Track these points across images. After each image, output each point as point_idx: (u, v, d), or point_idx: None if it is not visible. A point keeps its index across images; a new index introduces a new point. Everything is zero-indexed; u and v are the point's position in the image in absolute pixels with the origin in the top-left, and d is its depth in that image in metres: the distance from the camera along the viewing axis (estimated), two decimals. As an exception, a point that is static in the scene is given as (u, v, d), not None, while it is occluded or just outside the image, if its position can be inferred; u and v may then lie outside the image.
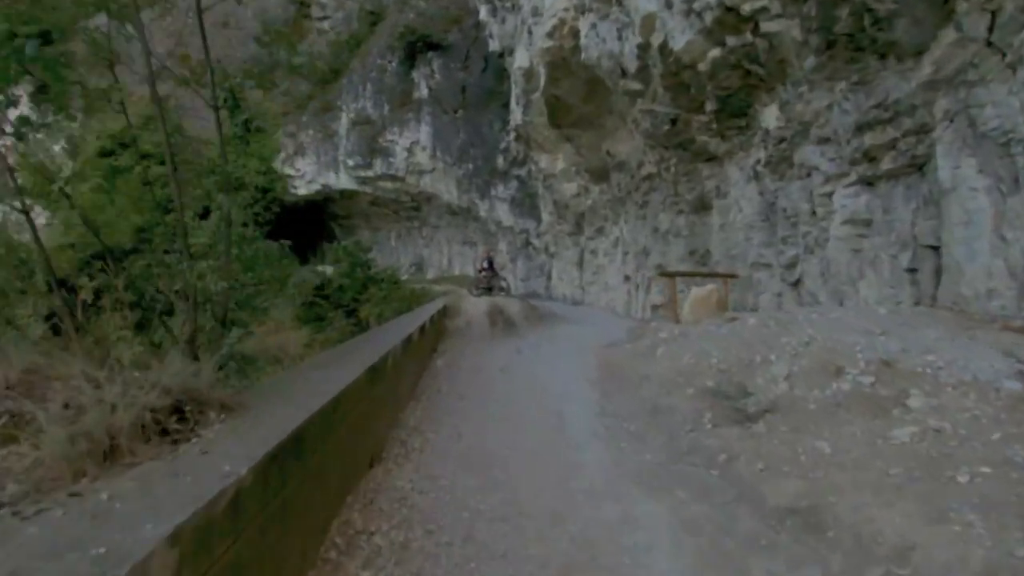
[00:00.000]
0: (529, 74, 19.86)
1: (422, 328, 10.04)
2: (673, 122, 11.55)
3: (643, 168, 15.25)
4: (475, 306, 15.27)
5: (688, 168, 12.93)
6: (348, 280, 25.02)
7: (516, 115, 23.55)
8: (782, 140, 9.23)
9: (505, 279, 20.97)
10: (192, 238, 7.76)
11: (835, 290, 8.94)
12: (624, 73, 12.05)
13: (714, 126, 11.07)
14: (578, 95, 15.00)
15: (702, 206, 13.24)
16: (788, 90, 9.07)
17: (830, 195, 8.93)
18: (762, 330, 7.48)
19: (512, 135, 24.76)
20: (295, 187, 35.94)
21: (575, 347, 11.29)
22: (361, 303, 24.21)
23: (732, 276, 11.73)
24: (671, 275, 11.58)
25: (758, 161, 10.26)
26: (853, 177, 8.49)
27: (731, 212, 11.87)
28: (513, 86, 23.77)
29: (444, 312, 14.12)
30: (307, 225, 39.34)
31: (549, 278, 28.26)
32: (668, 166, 13.68)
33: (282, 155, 36.20)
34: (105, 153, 36.75)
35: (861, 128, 8.07)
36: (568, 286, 25.85)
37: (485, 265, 20.85)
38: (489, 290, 20.50)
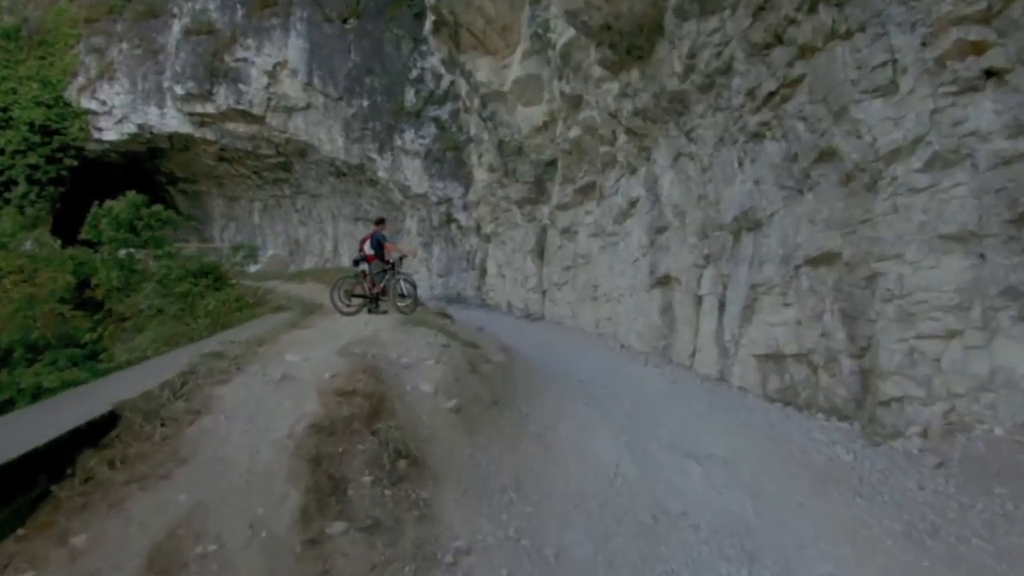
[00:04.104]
0: None
1: None
2: None
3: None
4: (290, 389, 4.10)
5: None
6: (119, 274, 13.11)
7: (436, -21, 12.35)
8: None
9: (410, 279, 9.92)
10: None
11: None
12: None
13: None
14: None
15: None
16: None
17: None
18: None
19: (429, 26, 13.51)
20: (99, 128, 22.63)
21: None
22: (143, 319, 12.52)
23: None
24: None
25: None
26: None
27: None
28: (431, -77, 12.55)
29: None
30: (128, 190, 25.88)
31: (483, 274, 17.36)
32: None
33: (80, 80, 22.74)
34: None
35: None
36: (516, 289, 15.09)
37: (369, 251, 9.71)
38: (375, 301, 9.49)
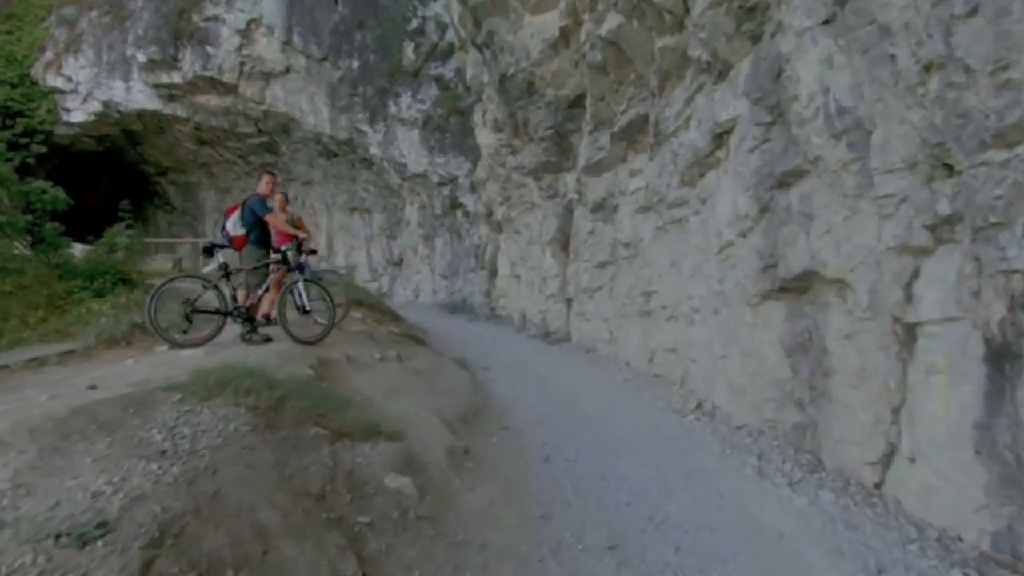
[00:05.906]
0: None
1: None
2: None
3: None
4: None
5: None
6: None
7: None
8: None
9: (321, 280, 5.66)
10: None
11: None
12: None
13: None
14: None
15: None
16: None
17: None
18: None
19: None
20: (66, 109, 19.51)
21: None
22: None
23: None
24: None
25: None
26: None
27: None
28: None
29: None
30: (112, 182, 22.76)
31: (493, 275, 12.92)
32: None
33: (48, 55, 19.71)
34: None
35: None
36: (532, 296, 10.58)
37: (236, 230, 5.51)
38: (250, 320, 5.25)
